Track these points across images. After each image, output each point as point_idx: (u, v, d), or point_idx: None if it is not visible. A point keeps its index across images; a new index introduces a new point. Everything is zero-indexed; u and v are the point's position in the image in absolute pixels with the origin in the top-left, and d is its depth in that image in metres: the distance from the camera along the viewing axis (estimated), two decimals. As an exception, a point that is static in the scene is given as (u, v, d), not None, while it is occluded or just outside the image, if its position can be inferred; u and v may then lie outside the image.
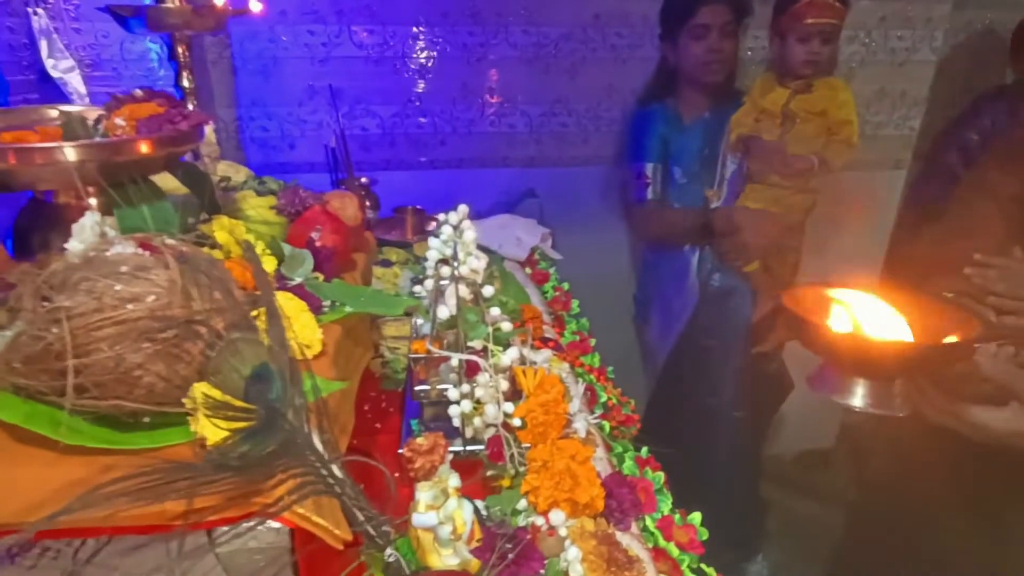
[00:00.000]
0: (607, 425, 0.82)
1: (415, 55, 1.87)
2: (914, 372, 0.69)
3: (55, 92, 1.50)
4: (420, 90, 1.90)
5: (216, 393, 0.38)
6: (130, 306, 0.38)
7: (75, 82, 1.53)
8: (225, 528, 0.45)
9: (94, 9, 1.58)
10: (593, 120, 2.01)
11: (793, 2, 1.43)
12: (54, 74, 1.49)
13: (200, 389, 0.37)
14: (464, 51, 1.89)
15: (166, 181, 0.75)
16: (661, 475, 0.74)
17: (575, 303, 1.17)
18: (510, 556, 0.52)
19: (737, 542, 1.75)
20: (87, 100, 1.55)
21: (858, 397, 0.70)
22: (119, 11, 0.83)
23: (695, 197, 1.61)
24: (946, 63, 2.08)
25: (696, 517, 0.68)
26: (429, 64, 1.88)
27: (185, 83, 0.89)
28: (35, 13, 1.46)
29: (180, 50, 0.87)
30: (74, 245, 0.46)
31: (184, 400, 0.39)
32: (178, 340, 0.39)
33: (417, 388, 0.64)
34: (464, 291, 0.59)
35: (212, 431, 0.38)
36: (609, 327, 1.93)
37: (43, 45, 1.47)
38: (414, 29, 1.85)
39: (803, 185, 1.46)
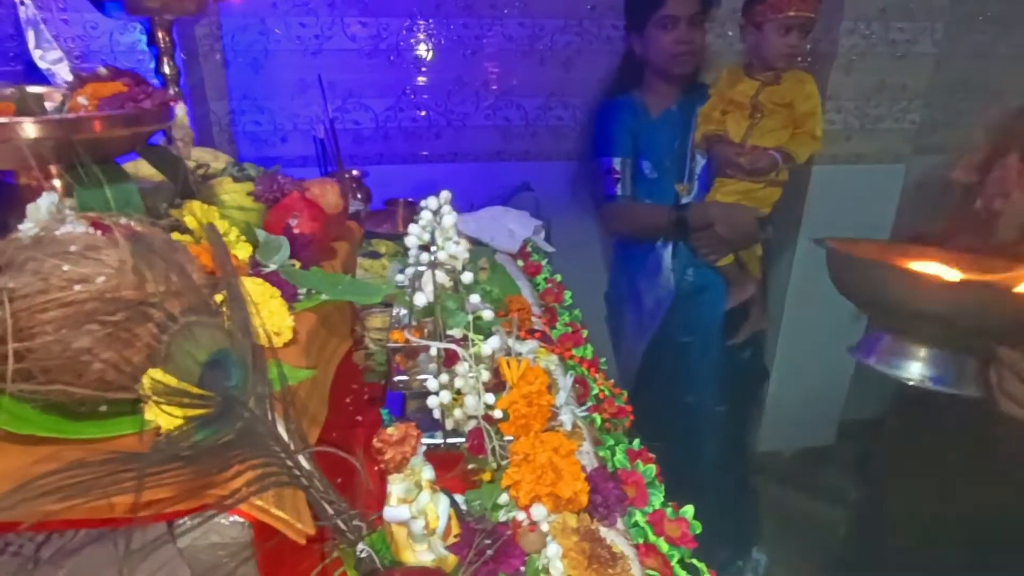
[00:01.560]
0: (599, 418, 0.80)
1: (409, 48, 1.85)
2: (995, 329, 0.53)
3: (43, 83, 1.48)
4: (414, 83, 1.88)
5: (169, 379, 0.36)
6: (78, 287, 0.36)
7: (63, 73, 1.51)
8: (184, 520, 0.43)
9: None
10: (588, 113, 1.98)
11: None
12: (41, 65, 1.46)
13: (151, 375, 0.35)
14: (459, 44, 1.88)
15: (142, 168, 0.73)
16: (653, 468, 0.72)
17: (568, 295, 1.15)
18: (489, 552, 0.50)
19: (728, 539, 1.73)
20: (75, 92, 1.53)
21: (917, 369, 0.57)
22: (97, -5, 0.81)
23: (665, 191, 1.58)
24: (947, 56, 2.06)
25: (688, 511, 0.66)
26: (423, 57, 1.87)
27: (166, 69, 0.87)
28: (22, 3, 1.44)
29: (160, 35, 0.85)
30: (27, 227, 0.44)
31: (138, 387, 0.37)
32: (129, 323, 0.36)
33: (396, 379, 0.62)
34: (443, 278, 0.57)
35: (167, 419, 0.36)
36: (604, 320, 1.90)
37: (30, 36, 1.45)
38: (408, 21, 1.83)
39: (772, 178, 1.45)
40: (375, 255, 1.15)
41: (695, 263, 1.56)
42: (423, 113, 1.96)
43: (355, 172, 1.43)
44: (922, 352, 0.58)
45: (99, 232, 0.39)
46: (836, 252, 0.65)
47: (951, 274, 0.58)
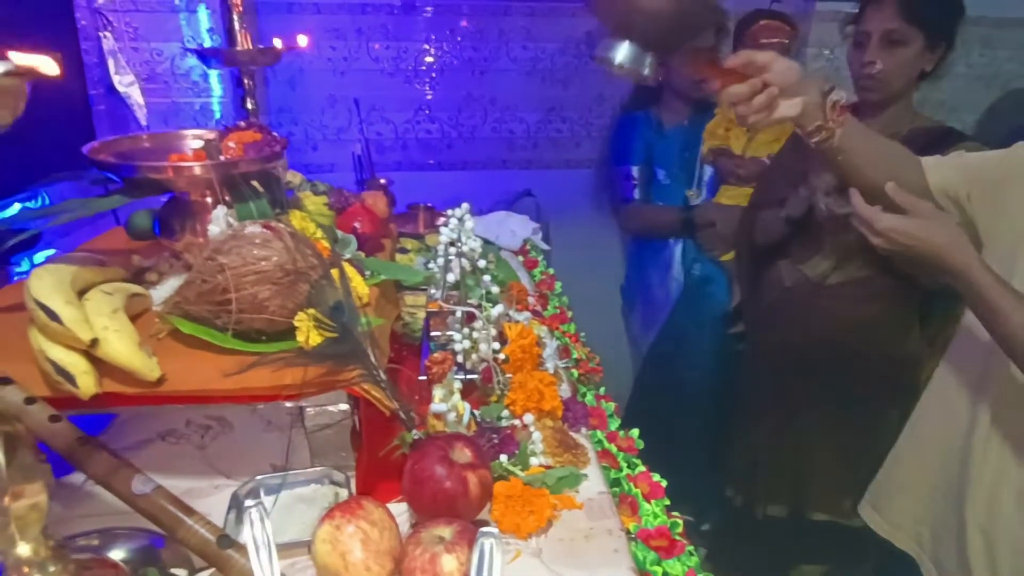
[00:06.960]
0: (576, 373, 1.07)
1: (425, 68, 2.11)
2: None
3: (120, 103, 1.76)
4: (429, 99, 2.14)
5: (316, 315, 0.63)
6: (263, 263, 0.63)
7: (135, 94, 1.79)
8: (310, 409, 0.71)
9: (148, 31, 1.84)
10: (585, 126, 2.25)
11: (750, 25, 1.70)
12: (120, 88, 1.75)
13: (310, 312, 0.63)
14: (469, 64, 2.13)
15: (242, 183, 1.00)
16: (612, 405, 0.99)
17: (558, 285, 1.42)
18: (495, 440, 0.77)
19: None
20: (145, 110, 1.81)
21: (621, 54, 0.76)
22: (203, 52, 1.08)
23: (676, 196, 1.85)
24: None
25: (635, 432, 0.93)
26: (438, 76, 2.12)
27: (249, 105, 1.14)
28: (104, 36, 1.72)
29: (246, 80, 1.12)
30: (212, 228, 0.72)
31: (295, 321, 0.64)
32: (291, 283, 0.64)
33: (432, 334, 0.89)
34: (465, 264, 0.84)
35: (313, 338, 0.63)
36: (595, 307, 2.17)
37: (110, 63, 1.73)
38: (425, 45, 2.09)
39: None
40: (403, 251, 1.41)
41: (701, 258, 1.81)
42: (432, 126, 2.21)
43: (383, 180, 1.70)
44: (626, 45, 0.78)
45: (268, 230, 0.66)
46: None
47: None
